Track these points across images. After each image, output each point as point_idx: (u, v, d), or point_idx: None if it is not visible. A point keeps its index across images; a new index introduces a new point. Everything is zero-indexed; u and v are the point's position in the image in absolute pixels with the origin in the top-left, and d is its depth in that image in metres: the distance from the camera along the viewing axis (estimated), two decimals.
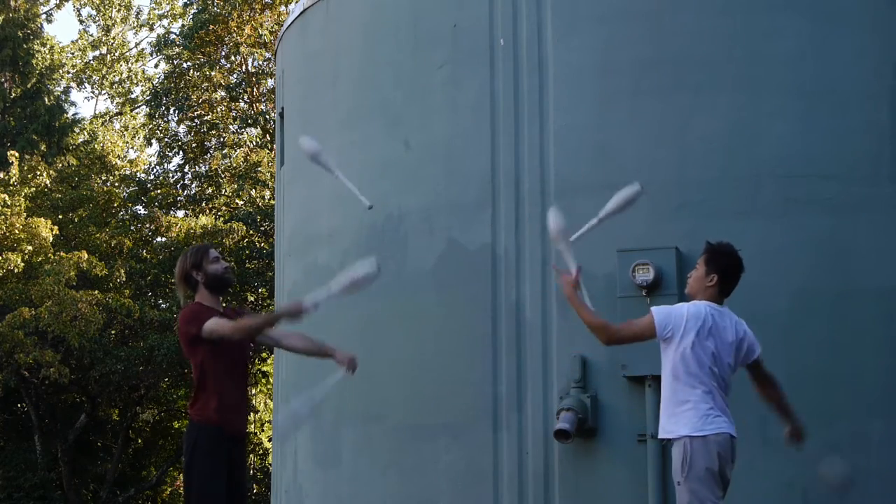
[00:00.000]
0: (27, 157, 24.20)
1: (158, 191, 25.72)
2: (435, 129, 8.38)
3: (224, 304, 6.28)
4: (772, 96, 7.66)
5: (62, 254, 20.11)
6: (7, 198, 20.14)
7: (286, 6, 25.65)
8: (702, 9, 7.82)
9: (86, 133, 28.60)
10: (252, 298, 24.15)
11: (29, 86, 27.22)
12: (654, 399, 7.19)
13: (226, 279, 6.17)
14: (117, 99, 31.28)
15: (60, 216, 22.32)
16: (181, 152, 26.95)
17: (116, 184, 24.95)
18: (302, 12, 9.75)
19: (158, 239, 23.13)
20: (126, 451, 23.80)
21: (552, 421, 7.48)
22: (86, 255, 19.92)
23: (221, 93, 26.86)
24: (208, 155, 26.86)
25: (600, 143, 7.82)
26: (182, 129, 27.14)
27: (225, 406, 5.92)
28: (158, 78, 29.23)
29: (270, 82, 26.23)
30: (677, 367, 5.57)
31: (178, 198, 26.28)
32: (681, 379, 5.56)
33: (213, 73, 26.35)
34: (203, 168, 26.91)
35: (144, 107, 29.84)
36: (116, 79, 31.18)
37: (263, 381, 24.80)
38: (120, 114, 31.07)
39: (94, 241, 22.11)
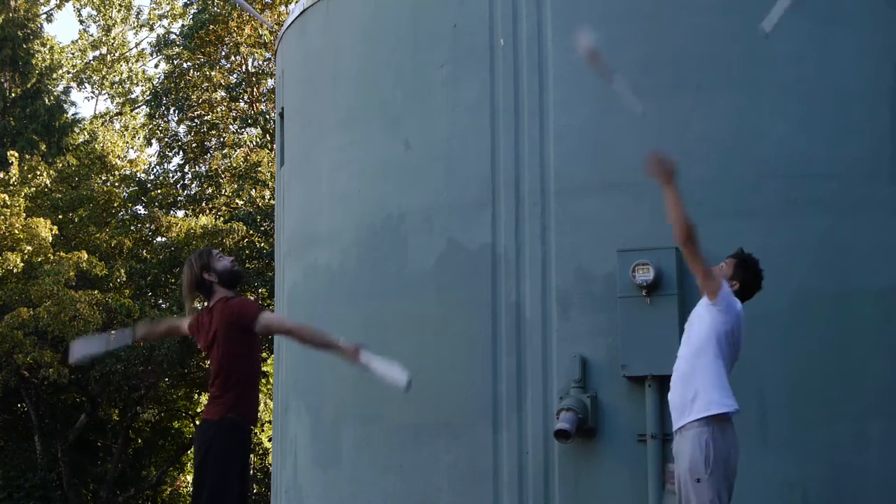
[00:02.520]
0: (27, 157, 24.20)
1: (158, 191, 25.71)
2: (435, 129, 8.38)
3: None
4: (772, 96, 7.66)
5: (62, 254, 20.11)
6: (7, 198, 20.14)
7: (286, 6, 25.66)
8: (702, 9, 7.81)
9: (86, 133, 28.61)
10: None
11: (29, 86, 27.22)
12: (655, 399, 7.20)
13: (237, 271, 6.21)
14: (117, 99, 31.30)
15: (60, 216, 22.32)
16: (181, 152, 26.95)
17: (116, 184, 24.95)
18: (302, 12, 9.75)
19: (158, 239, 23.14)
20: (126, 451, 23.80)
21: (552, 421, 7.48)
22: (86, 255, 19.91)
23: (221, 93, 26.86)
24: (208, 155, 26.86)
25: (600, 143, 7.82)
26: (182, 129, 27.15)
27: (251, 405, 5.98)
28: (158, 78, 29.26)
29: (270, 82, 26.23)
30: (710, 359, 5.66)
31: (178, 198, 26.28)
32: (708, 369, 5.65)
33: (213, 73, 26.35)
34: (203, 168, 26.91)
35: (144, 107, 29.86)
36: (116, 79, 31.19)
37: (263, 380, 24.81)
38: (120, 114, 31.09)
39: (94, 241, 22.11)
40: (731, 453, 5.65)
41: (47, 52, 28.36)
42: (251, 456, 25.02)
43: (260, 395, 24.89)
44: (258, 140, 26.66)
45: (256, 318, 5.98)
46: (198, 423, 6.28)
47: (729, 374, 5.76)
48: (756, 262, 5.95)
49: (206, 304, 6.18)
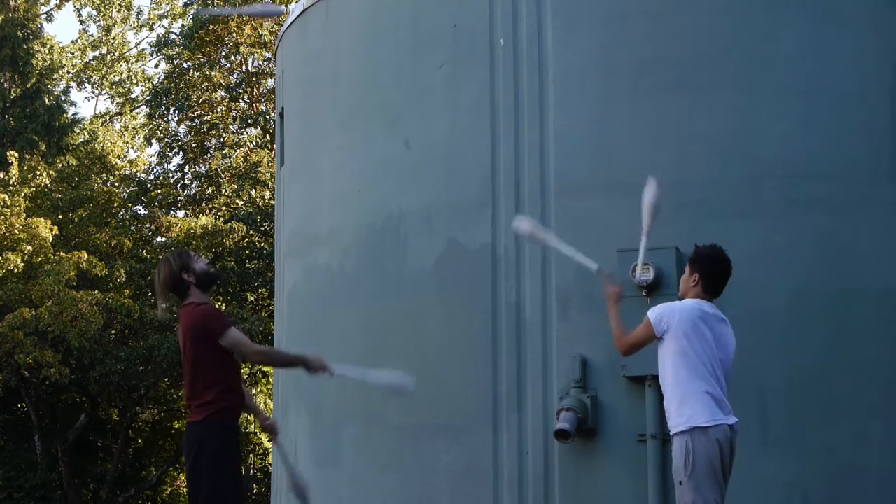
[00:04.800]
0: (27, 157, 24.22)
1: (158, 191, 25.72)
2: (435, 129, 8.38)
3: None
4: (772, 96, 7.66)
5: (62, 254, 20.11)
6: (7, 198, 20.14)
7: (286, 6, 25.66)
8: (702, 9, 7.81)
9: (86, 133, 28.62)
10: (252, 298, 24.16)
11: (29, 86, 27.22)
12: (655, 399, 7.20)
13: (214, 274, 6.21)
14: (117, 99, 31.30)
15: (60, 216, 22.33)
16: (181, 152, 26.96)
17: (116, 184, 24.95)
18: (302, 12, 9.75)
19: (158, 239, 23.14)
20: (126, 451, 23.81)
21: (552, 421, 7.48)
22: (86, 255, 19.91)
23: (221, 93, 26.86)
24: (208, 155, 26.87)
25: (600, 143, 7.82)
26: (182, 129, 27.16)
27: (234, 401, 5.97)
28: (158, 78, 29.27)
29: (270, 82, 26.24)
30: (676, 362, 5.64)
31: (178, 198, 26.29)
32: (681, 374, 5.62)
33: (213, 73, 26.36)
34: (203, 168, 26.91)
35: (144, 107, 29.86)
36: (116, 79, 31.20)
37: (263, 381, 24.80)
38: (120, 114, 31.09)
39: (94, 241, 22.12)
40: (718, 454, 5.58)
41: (47, 52, 28.36)
42: (252, 456, 25.10)
43: (260, 395, 24.94)
44: (258, 140, 26.67)
45: (223, 334, 5.93)
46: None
47: (716, 370, 5.69)
48: (712, 249, 5.85)
49: (182, 303, 6.16)
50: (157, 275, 6.16)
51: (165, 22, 30.84)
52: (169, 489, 25.68)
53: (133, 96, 31.32)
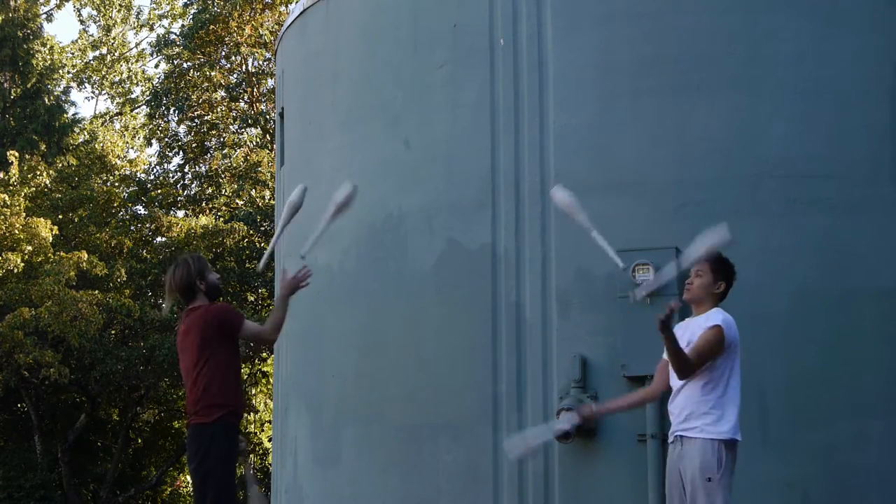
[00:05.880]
0: (27, 157, 24.22)
1: (158, 191, 25.72)
2: (435, 129, 8.38)
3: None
4: (772, 96, 7.67)
5: (62, 254, 20.12)
6: (7, 198, 20.14)
7: (286, 6, 25.67)
8: (702, 9, 7.82)
9: (86, 133, 28.62)
10: (252, 298, 24.15)
11: (29, 86, 27.21)
12: None
13: (220, 289, 6.24)
14: (117, 99, 31.30)
15: (60, 216, 22.33)
16: (181, 152, 26.96)
17: (116, 184, 24.95)
18: (302, 12, 9.75)
19: (159, 239, 23.14)
20: (126, 451, 23.80)
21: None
22: (86, 255, 19.92)
23: (221, 93, 26.87)
24: (208, 155, 26.87)
25: (600, 143, 7.82)
26: (182, 129, 27.16)
27: (243, 406, 6.03)
28: (158, 78, 29.26)
29: (270, 82, 26.24)
30: (731, 374, 5.58)
31: (178, 198, 26.29)
32: (732, 385, 5.59)
33: (213, 73, 26.36)
34: (203, 168, 26.92)
35: (144, 107, 29.86)
36: (116, 79, 31.19)
37: (263, 381, 24.80)
38: (120, 114, 31.09)
39: (94, 241, 22.11)
40: (734, 464, 5.63)
41: (47, 52, 28.35)
42: (251, 456, 25.09)
43: (260, 395, 24.96)
44: (258, 140, 26.68)
45: (241, 327, 6.08)
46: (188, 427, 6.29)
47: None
48: (721, 253, 5.85)
49: (187, 306, 6.18)
50: (173, 273, 6.14)
51: (165, 22, 30.84)
52: (169, 489, 25.68)
53: (133, 96, 31.32)
